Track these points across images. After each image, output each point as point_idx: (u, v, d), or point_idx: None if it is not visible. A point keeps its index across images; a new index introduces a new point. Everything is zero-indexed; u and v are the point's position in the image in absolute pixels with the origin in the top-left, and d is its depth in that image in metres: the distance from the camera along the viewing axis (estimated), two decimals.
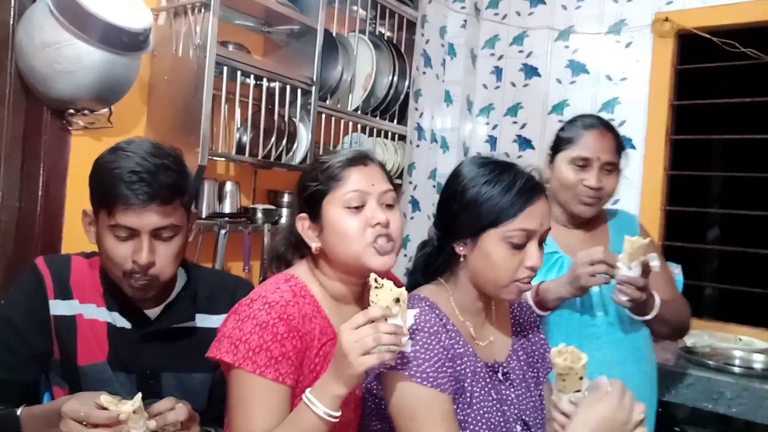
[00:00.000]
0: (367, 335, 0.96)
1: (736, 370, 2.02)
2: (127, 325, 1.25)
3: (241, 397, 1.07)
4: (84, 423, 1.01)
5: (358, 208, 1.14)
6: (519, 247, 1.11)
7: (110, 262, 1.19)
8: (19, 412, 1.12)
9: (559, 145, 1.66)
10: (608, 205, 1.72)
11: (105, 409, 1.01)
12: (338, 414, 1.01)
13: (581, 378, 1.01)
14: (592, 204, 1.61)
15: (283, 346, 1.07)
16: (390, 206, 1.18)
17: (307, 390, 1.02)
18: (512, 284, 1.13)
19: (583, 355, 1.01)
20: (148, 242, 1.16)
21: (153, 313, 1.28)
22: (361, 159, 1.18)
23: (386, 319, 0.99)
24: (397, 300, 0.99)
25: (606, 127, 1.64)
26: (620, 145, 1.65)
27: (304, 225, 1.19)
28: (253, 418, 1.05)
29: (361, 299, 1.25)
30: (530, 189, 1.11)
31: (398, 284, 1.41)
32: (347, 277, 1.19)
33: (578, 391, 1.00)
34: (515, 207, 1.09)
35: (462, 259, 1.16)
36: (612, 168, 1.61)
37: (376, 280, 1.01)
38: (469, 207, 1.13)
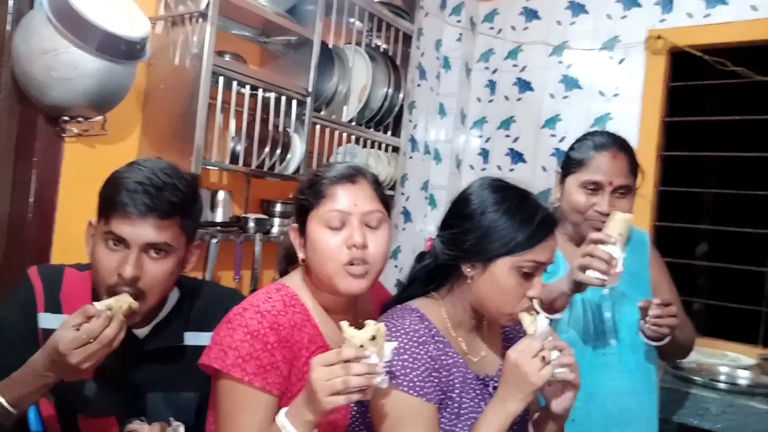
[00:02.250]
0: (336, 376, 0.94)
1: (722, 386, 2.04)
2: None
3: (227, 405, 1.08)
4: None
5: (340, 228, 1.14)
6: (527, 276, 1.12)
7: (96, 273, 1.17)
8: None
9: (569, 166, 1.59)
10: None
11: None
12: None
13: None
14: (602, 228, 1.53)
15: (273, 356, 1.08)
16: (374, 227, 1.16)
17: (282, 411, 1.01)
18: (514, 314, 1.14)
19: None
20: (136, 255, 1.13)
21: (142, 332, 1.25)
22: (350, 176, 1.17)
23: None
24: (374, 337, 0.97)
25: (619, 146, 1.56)
26: (634, 165, 1.57)
27: (294, 235, 1.20)
28: (237, 426, 1.06)
29: (352, 308, 1.25)
30: (549, 224, 1.14)
31: (385, 295, 1.42)
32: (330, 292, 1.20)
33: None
34: (534, 239, 1.11)
35: (467, 281, 1.16)
36: (625, 191, 1.54)
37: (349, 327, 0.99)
38: (486, 231, 1.12)
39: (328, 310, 1.21)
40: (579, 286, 1.40)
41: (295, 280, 1.22)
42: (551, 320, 1.42)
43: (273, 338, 1.08)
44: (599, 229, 1.52)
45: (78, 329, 1.02)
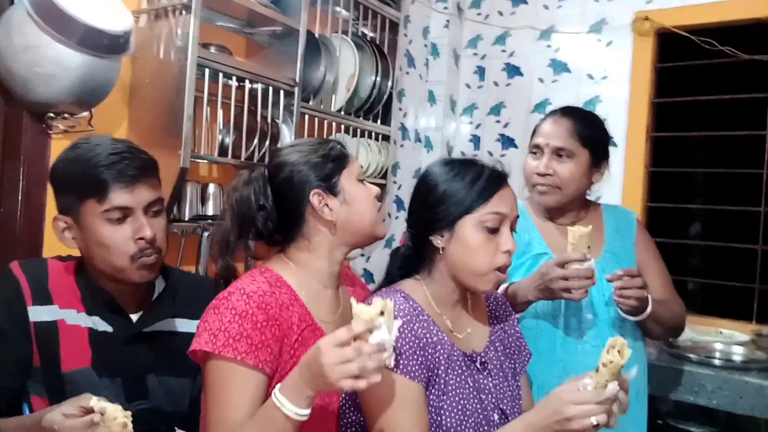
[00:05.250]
0: (351, 359, 0.94)
1: (717, 362, 2.06)
2: (109, 328, 1.24)
3: (218, 386, 1.07)
4: None
5: (361, 181, 1.26)
6: (494, 231, 1.17)
7: (110, 252, 1.18)
8: None
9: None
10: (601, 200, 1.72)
11: (91, 411, 0.98)
12: (308, 412, 1.01)
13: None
14: (546, 192, 1.59)
15: (263, 334, 1.08)
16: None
17: (277, 387, 1.02)
18: (491, 273, 1.17)
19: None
20: (144, 218, 1.19)
21: (135, 316, 1.28)
22: (343, 147, 1.31)
23: (371, 332, 0.96)
24: (382, 312, 0.97)
25: (565, 113, 1.62)
26: (582, 131, 1.58)
27: (318, 201, 1.21)
28: (229, 406, 1.06)
29: (338, 285, 1.29)
30: (497, 176, 1.20)
31: (359, 284, 1.45)
32: (341, 254, 1.25)
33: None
34: (487, 192, 1.17)
35: (440, 252, 1.20)
36: (565, 154, 1.57)
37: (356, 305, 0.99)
38: (443, 199, 1.19)
39: (320, 283, 1.24)
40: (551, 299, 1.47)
41: (277, 262, 1.24)
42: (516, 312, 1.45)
43: (262, 317, 1.09)
44: (542, 193, 1.59)
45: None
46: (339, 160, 1.24)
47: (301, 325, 1.16)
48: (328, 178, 1.22)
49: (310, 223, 1.22)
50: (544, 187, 1.59)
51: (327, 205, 1.21)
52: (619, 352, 1.01)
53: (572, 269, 1.40)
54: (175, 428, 1.18)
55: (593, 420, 0.98)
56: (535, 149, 1.61)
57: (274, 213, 1.24)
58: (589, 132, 1.61)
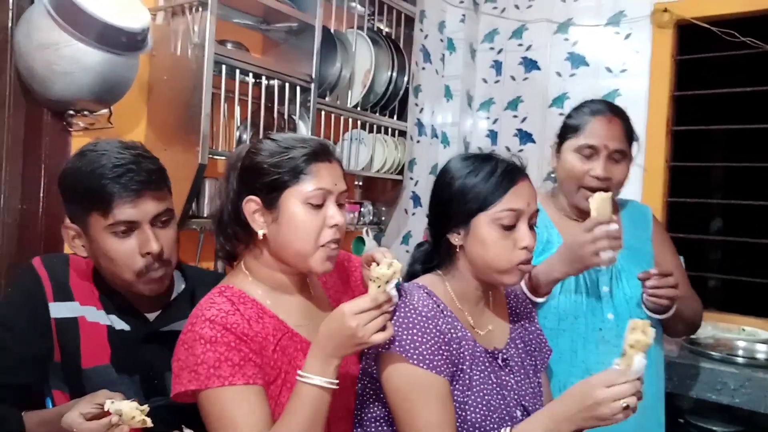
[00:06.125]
0: (374, 318, 1.02)
1: (740, 360, 2.02)
2: (126, 327, 1.24)
3: (219, 414, 1.04)
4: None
5: (319, 206, 1.11)
6: (509, 228, 1.15)
7: (117, 266, 1.17)
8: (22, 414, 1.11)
9: (565, 133, 1.60)
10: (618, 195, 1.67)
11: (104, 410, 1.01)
12: (337, 381, 1.04)
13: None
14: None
15: (241, 351, 1.05)
16: (342, 206, 1.16)
17: (299, 372, 1.04)
18: (512, 269, 1.16)
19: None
20: (150, 231, 1.17)
21: (152, 316, 1.28)
22: (326, 154, 1.14)
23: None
24: (393, 273, 1.06)
25: (614, 112, 1.57)
26: (630, 131, 1.58)
27: (250, 208, 1.13)
28: (239, 425, 1.02)
29: (304, 289, 1.23)
30: (511, 171, 1.17)
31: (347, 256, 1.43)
32: (287, 268, 1.17)
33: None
34: (500, 189, 1.15)
35: (458, 250, 1.20)
36: (621, 157, 1.54)
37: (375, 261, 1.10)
38: (457, 196, 1.17)
39: (281, 291, 1.18)
40: (578, 272, 1.43)
41: (238, 277, 1.18)
42: (535, 308, 1.43)
43: (231, 337, 1.05)
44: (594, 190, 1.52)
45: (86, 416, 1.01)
46: (292, 173, 1.10)
47: (277, 335, 1.13)
48: (270, 190, 1.11)
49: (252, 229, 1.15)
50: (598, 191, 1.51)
51: (259, 214, 1.13)
52: (643, 332, 0.99)
53: (600, 230, 1.36)
54: (183, 426, 1.16)
55: (623, 403, 0.97)
56: (590, 151, 1.53)
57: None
58: (632, 131, 1.59)
